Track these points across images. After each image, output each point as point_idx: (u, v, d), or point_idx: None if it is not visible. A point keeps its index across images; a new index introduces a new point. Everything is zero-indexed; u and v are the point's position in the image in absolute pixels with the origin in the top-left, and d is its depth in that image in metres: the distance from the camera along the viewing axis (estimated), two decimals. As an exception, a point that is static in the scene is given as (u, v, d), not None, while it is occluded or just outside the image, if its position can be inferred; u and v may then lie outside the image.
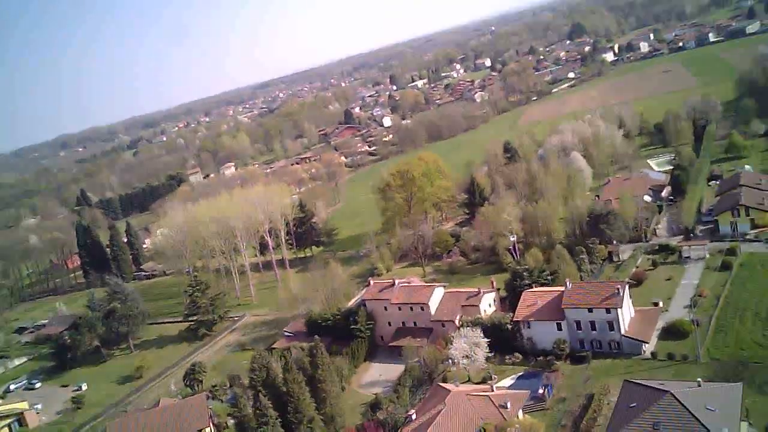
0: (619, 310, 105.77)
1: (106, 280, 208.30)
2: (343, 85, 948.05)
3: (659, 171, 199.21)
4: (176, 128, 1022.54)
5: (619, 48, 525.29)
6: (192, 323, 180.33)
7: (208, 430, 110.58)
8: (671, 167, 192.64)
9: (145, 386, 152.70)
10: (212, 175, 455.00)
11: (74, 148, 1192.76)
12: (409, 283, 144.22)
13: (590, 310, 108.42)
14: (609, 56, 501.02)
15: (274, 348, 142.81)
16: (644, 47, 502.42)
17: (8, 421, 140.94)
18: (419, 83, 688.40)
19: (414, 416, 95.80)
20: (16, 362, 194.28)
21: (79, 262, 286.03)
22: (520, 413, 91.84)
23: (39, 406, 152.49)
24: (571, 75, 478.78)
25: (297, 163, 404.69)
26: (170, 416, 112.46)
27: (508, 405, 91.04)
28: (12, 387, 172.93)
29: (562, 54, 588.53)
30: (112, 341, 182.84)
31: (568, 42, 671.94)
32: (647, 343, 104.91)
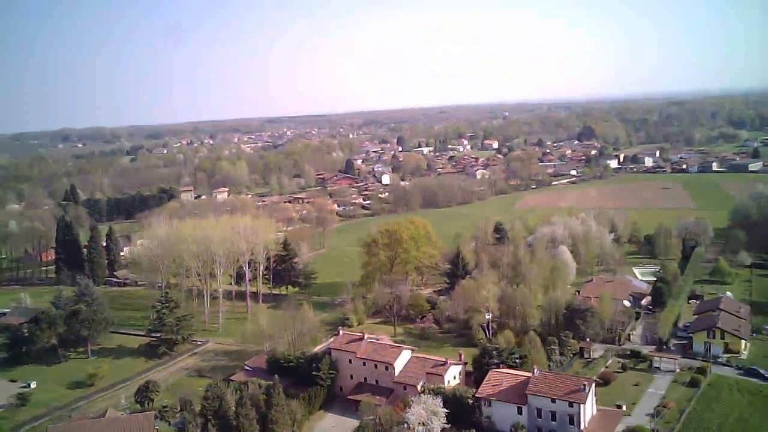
0: (582, 405, 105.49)
1: (77, 280, 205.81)
2: (350, 136, 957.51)
3: (642, 280, 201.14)
4: (179, 144, 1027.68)
5: (624, 158, 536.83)
6: (154, 339, 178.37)
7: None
8: (655, 278, 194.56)
9: (95, 395, 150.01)
10: (204, 197, 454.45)
11: (74, 143, 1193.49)
12: (377, 340, 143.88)
13: (553, 401, 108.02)
14: (613, 163, 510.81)
15: (231, 380, 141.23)
16: (648, 162, 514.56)
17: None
18: (425, 149, 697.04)
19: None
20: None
21: (53, 257, 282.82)
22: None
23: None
24: (573, 172, 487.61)
25: (289, 202, 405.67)
26: (115, 429, 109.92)
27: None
28: None
29: (569, 152, 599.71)
30: (71, 343, 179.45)
31: (576, 142, 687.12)
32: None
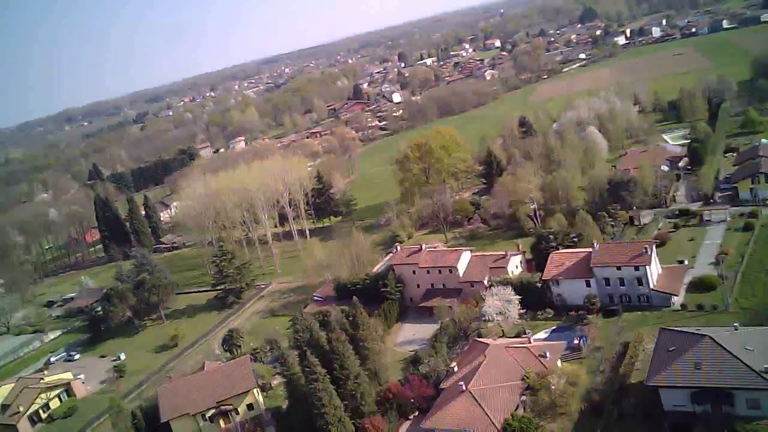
0: (647, 267, 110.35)
1: (131, 253, 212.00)
2: (350, 61, 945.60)
3: (675, 144, 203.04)
4: (182, 102, 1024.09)
5: (630, 32, 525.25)
6: (220, 292, 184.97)
7: (255, 390, 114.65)
8: (687, 141, 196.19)
9: (183, 353, 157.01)
10: (222, 150, 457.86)
11: (79, 123, 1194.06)
12: (435, 248, 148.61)
13: (619, 268, 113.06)
14: (621, 39, 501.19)
15: (306, 311, 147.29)
16: (656, 32, 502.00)
17: (57, 391, 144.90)
18: (428, 61, 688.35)
19: (456, 368, 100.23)
20: (51, 336, 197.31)
21: (97, 236, 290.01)
22: (559, 362, 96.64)
23: (82, 377, 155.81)
24: (582, 56, 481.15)
25: (308, 137, 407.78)
26: (218, 378, 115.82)
27: (548, 355, 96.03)
28: (52, 359, 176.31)
29: (573, 37, 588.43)
30: (143, 312, 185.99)
31: (578, 26, 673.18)
32: (676, 295, 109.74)
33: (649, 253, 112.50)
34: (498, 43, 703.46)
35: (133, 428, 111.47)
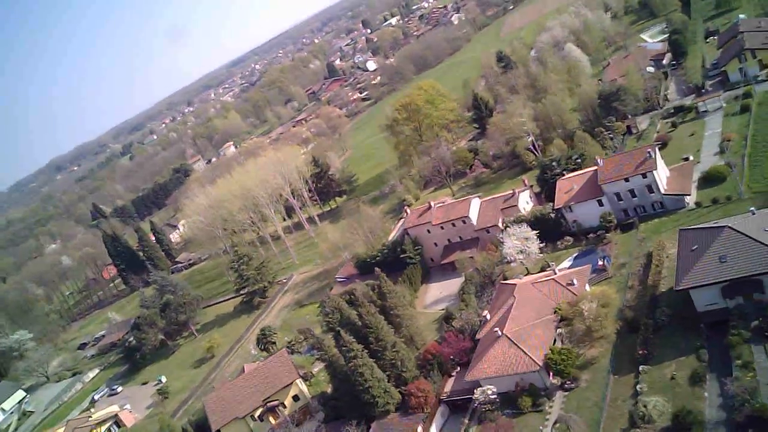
0: (654, 172, 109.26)
1: (150, 278, 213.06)
2: (316, 41, 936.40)
3: (655, 41, 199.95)
4: (163, 125, 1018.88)
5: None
6: (245, 296, 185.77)
7: (298, 381, 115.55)
8: (666, 35, 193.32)
9: (221, 362, 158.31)
10: (214, 159, 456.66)
11: (69, 169, 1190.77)
12: (444, 203, 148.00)
13: (627, 180, 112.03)
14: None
15: (332, 295, 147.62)
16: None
17: (107, 425, 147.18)
18: (393, 21, 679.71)
19: (488, 316, 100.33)
20: (90, 375, 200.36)
21: (114, 272, 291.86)
22: (587, 287, 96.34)
23: (128, 407, 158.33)
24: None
25: (295, 126, 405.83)
26: (260, 377, 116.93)
27: (575, 282, 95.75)
28: (96, 397, 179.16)
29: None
30: (175, 332, 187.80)
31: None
32: (689, 195, 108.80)
33: (653, 156, 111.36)
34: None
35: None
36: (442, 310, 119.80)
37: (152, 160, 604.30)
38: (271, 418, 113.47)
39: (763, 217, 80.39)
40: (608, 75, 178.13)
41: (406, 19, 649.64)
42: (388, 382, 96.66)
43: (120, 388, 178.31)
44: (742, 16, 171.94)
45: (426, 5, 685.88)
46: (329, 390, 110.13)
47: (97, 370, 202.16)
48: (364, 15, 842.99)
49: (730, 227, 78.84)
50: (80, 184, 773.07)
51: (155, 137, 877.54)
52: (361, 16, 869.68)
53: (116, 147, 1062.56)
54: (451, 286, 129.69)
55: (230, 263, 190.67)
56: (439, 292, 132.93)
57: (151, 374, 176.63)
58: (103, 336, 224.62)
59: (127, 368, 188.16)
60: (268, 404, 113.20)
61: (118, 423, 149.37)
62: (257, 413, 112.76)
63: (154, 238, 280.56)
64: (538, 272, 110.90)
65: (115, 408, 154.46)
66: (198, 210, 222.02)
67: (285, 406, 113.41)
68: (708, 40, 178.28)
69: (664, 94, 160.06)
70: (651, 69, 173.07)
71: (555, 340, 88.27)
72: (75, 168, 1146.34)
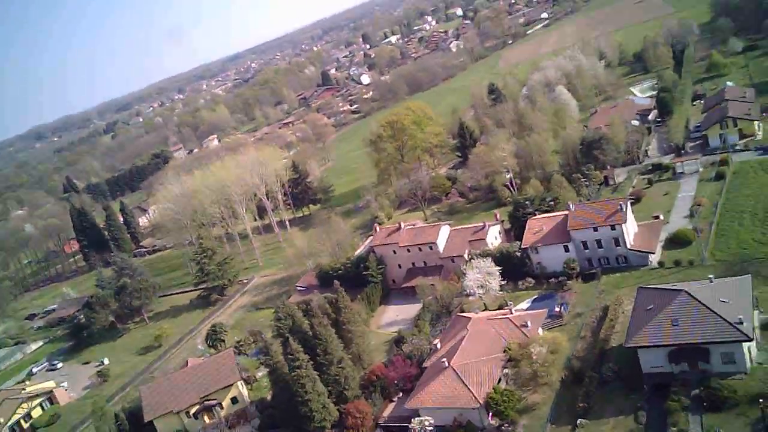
0: (623, 225, 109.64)
1: (111, 258, 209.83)
2: (315, 48, 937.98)
3: (644, 96, 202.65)
4: (151, 108, 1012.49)
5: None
6: (203, 290, 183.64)
7: (239, 383, 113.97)
8: (655, 92, 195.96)
9: (167, 353, 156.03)
10: (196, 150, 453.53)
11: (49, 139, 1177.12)
12: (414, 225, 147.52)
13: (596, 230, 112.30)
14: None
15: (288, 302, 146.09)
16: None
17: (39, 400, 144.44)
18: (393, 39, 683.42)
19: (438, 345, 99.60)
20: (33, 347, 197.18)
21: (77, 247, 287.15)
22: (541, 331, 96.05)
23: (65, 384, 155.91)
24: (545, 15, 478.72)
25: (281, 128, 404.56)
26: (201, 373, 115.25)
27: (529, 324, 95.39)
28: (34, 370, 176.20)
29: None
30: (126, 316, 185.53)
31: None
32: (653, 253, 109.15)
33: (624, 210, 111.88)
34: (460, 12, 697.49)
35: (117, 430, 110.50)
36: (395, 333, 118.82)
37: (134, 142, 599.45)
38: (206, 417, 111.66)
39: (720, 286, 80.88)
40: (594, 122, 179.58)
41: (406, 39, 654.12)
42: (329, 397, 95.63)
43: (60, 365, 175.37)
44: (729, 83, 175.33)
45: (427, 28, 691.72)
46: (269, 397, 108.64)
47: (41, 343, 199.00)
48: (366, 29, 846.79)
49: (686, 292, 79.16)
50: (58, 155, 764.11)
51: (141, 119, 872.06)
52: (362, 30, 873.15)
53: (100, 124, 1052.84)
54: (409, 310, 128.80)
55: (193, 255, 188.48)
56: (396, 315, 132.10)
57: (94, 355, 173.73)
58: (54, 310, 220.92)
59: (72, 345, 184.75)
60: (205, 402, 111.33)
61: (51, 400, 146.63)
62: (193, 410, 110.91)
63: (122, 219, 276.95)
64: (496, 309, 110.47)
65: (50, 384, 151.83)
66: (170, 197, 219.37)
67: (222, 407, 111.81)
68: (695, 103, 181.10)
69: (645, 150, 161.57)
70: (636, 123, 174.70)
71: (500, 380, 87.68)
72: (56, 138, 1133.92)
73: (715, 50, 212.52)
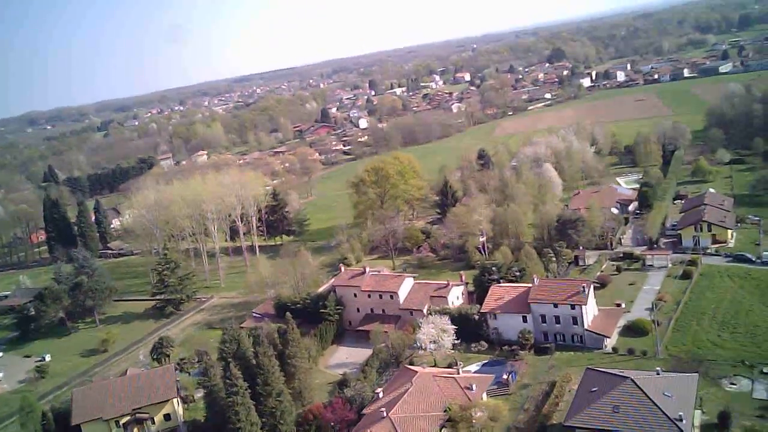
0: (583, 307, 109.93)
1: (73, 255, 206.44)
2: (321, 86, 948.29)
3: (628, 188, 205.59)
4: (149, 114, 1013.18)
5: (596, 75, 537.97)
6: (159, 301, 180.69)
7: (175, 400, 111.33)
8: (639, 185, 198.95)
9: (111, 359, 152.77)
10: (183, 162, 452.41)
11: (42, 126, 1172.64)
12: (379, 272, 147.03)
13: (556, 306, 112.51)
14: (586, 81, 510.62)
15: (242, 327, 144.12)
16: (620, 76, 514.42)
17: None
18: (398, 90, 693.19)
19: (381, 394, 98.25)
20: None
21: (44, 238, 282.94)
22: (485, 396, 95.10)
23: (0, 375, 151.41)
24: (548, 96, 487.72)
25: (272, 156, 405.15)
26: (138, 385, 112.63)
27: (474, 387, 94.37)
28: None
29: (541, 75, 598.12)
30: (78, 315, 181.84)
31: (547, 65, 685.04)
32: (609, 338, 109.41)
33: (587, 292, 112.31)
34: (468, 77, 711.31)
35: (42, 430, 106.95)
36: (341, 374, 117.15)
37: (124, 144, 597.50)
38: (135, 430, 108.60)
39: (666, 380, 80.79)
40: (574, 203, 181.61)
41: (410, 93, 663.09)
42: (262, 429, 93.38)
43: (0, 354, 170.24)
44: (711, 190, 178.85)
45: (434, 86, 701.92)
46: (203, 419, 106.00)
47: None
48: (374, 76, 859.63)
49: (632, 380, 78.99)
50: (47, 143, 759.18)
51: (136, 122, 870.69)
52: (370, 76, 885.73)
53: (95, 120, 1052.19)
54: (360, 354, 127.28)
55: (156, 264, 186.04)
56: (346, 357, 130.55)
57: (38, 349, 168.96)
58: (6, 297, 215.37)
59: (16, 336, 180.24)
60: (137, 415, 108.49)
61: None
62: (123, 420, 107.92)
63: (94, 218, 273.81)
64: (445, 367, 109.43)
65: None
66: (144, 203, 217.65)
67: (153, 422, 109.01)
68: (675, 202, 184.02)
69: (620, 238, 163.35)
70: (615, 210, 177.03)
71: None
72: (48, 127, 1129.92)
73: (703, 157, 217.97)
